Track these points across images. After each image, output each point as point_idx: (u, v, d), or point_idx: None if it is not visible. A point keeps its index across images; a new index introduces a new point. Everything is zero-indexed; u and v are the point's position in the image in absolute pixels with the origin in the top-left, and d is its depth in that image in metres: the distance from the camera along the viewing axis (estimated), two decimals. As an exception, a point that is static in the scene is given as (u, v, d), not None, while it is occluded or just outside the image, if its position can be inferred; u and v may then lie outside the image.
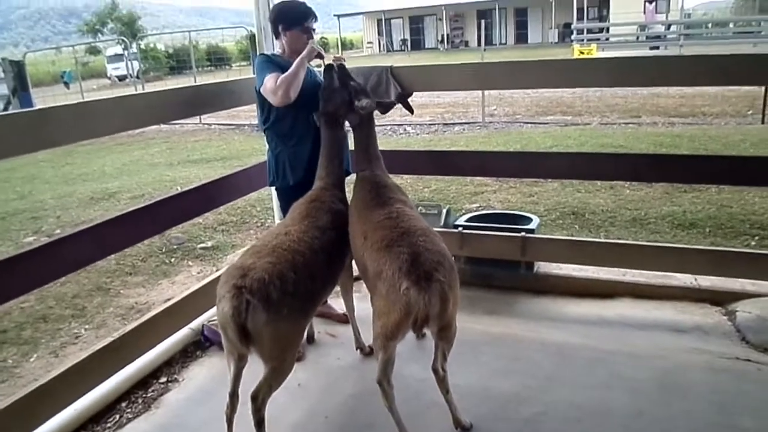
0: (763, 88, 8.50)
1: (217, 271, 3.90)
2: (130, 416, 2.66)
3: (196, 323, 3.19)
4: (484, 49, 12.52)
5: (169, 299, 3.35)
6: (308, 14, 2.94)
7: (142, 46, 28.81)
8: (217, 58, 30.05)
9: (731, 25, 28.96)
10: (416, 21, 42.53)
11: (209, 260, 4.67)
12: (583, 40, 24.09)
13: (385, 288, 2.10)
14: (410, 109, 3.25)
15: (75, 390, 2.48)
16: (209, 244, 4.98)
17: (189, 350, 3.14)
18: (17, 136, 2.21)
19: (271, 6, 3.08)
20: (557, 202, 5.26)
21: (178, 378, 2.94)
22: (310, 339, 3.17)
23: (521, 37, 39.01)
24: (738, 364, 2.77)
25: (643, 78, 3.25)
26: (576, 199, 5.31)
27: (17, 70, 14.44)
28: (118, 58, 30.57)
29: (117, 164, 9.51)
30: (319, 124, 2.79)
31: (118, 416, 2.66)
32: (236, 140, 11.23)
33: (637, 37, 26.33)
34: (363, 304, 2.62)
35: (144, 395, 2.80)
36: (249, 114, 12.26)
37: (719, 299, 3.32)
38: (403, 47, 40.92)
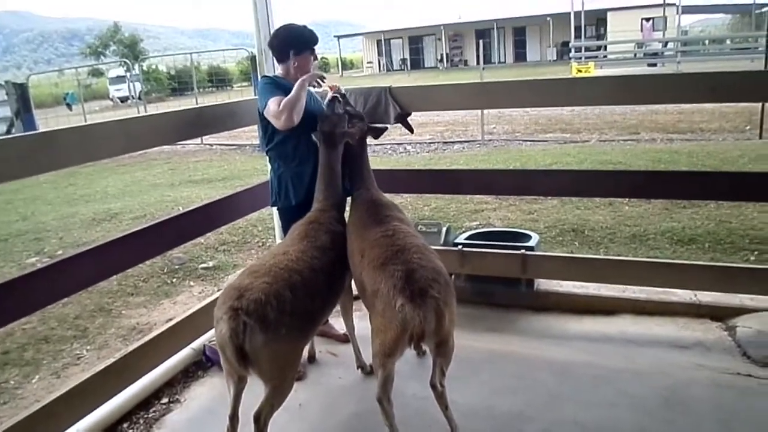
0: (760, 104, 8.54)
1: (218, 291, 3.90)
2: (131, 437, 2.66)
3: (197, 343, 3.19)
4: (483, 68, 12.61)
5: (170, 319, 3.35)
6: (316, 38, 3.04)
7: (144, 68, 29.09)
8: (218, 79, 30.31)
9: (728, 42, 29.21)
10: (415, 41, 42.96)
11: (210, 280, 4.68)
12: (581, 58, 24.29)
13: (381, 305, 2.12)
14: (410, 129, 3.29)
15: (77, 411, 2.47)
16: (210, 264, 4.99)
17: (190, 370, 3.14)
18: (20, 160, 2.23)
19: (273, 31, 3.12)
20: (557, 219, 5.28)
21: (180, 398, 2.93)
22: (312, 358, 3.16)
23: (520, 56, 39.36)
24: (740, 380, 2.76)
25: (637, 96, 3.29)
26: (575, 216, 5.33)
27: (20, 92, 14.55)
28: (120, 79, 30.84)
29: (119, 185, 9.55)
30: (318, 142, 2.82)
31: (120, 438, 2.66)
32: (238, 160, 11.28)
33: (635, 55, 26.58)
34: (363, 323, 2.62)
35: (145, 416, 2.79)
36: (250, 134, 12.35)
37: (719, 315, 3.32)
38: (402, 67, 41.28)
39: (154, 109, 17.80)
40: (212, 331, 3.07)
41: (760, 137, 8.69)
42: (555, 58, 35.26)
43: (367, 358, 2.80)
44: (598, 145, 9.30)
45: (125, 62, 25.00)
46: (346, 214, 2.86)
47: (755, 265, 3.88)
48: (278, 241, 3.56)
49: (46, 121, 16.71)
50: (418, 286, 2.07)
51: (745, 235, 4.58)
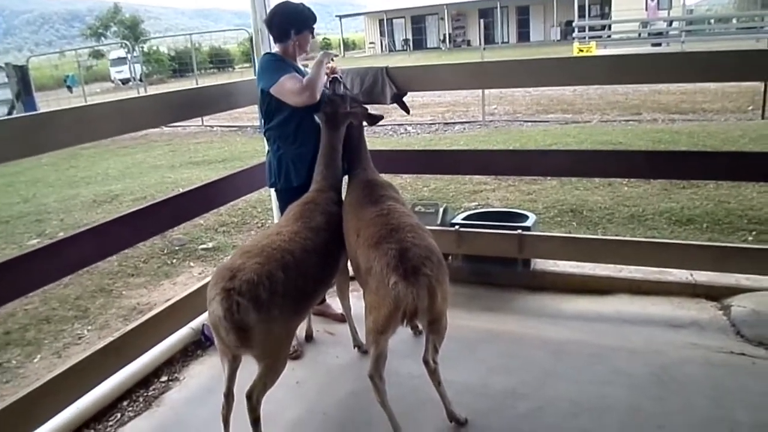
0: (763, 84, 8.48)
1: (217, 271, 3.92)
2: (131, 414, 2.70)
3: (196, 322, 3.23)
4: (484, 48, 12.51)
5: (170, 299, 3.38)
6: (315, 16, 3.03)
7: (145, 50, 28.95)
8: (219, 60, 30.14)
9: (734, 21, 28.83)
10: (418, 21, 42.53)
11: (210, 261, 4.70)
12: (584, 37, 24.03)
13: (374, 283, 2.14)
14: (406, 110, 3.28)
15: (77, 389, 2.51)
16: (210, 245, 5.01)
17: (189, 349, 3.18)
18: (15, 141, 2.24)
19: (270, 9, 3.10)
20: (556, 200, 5.27)
21: (179, 377, 2.97)
22: (309, 337, 3.20)
23: (523, 36, 38.97)
24: (733, 359, 2.78)
25: (631, 75, 3.27)
26: (574, 197, 5.32)
27: (21, 74, 14.53)
28: (121, 61, 30.70)
29: (120, 167, 9.56)
30: (321, 123, 2.83)
31: (119, 414, 2.70)
32: (238, 142, 11.27)
33: (639, 34, 26.27)
34: (360, 302, 2.63)
35: (145, 394, 2.83)
36: (251, 116, 12.31)
37: (715, 294, 3.33)
38: (405, 47, 40.94)
39: (154, 90, 17.72)
40: (209, 311, 3.15)
41: (762, 117, 8.64)
42: (559, 37, 34.88)
43: (363, 337, 2.84)
44: (599, 126, 9.26)
45: (126, 44, 24.84)
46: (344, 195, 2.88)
47: (750, 245, 3.89)
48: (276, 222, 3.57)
49: (47, 103, 16.68)
50: (411, 264, 2.09)
51: (744, 215, 4.57)
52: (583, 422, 2.42)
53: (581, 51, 19.65)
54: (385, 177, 2.93)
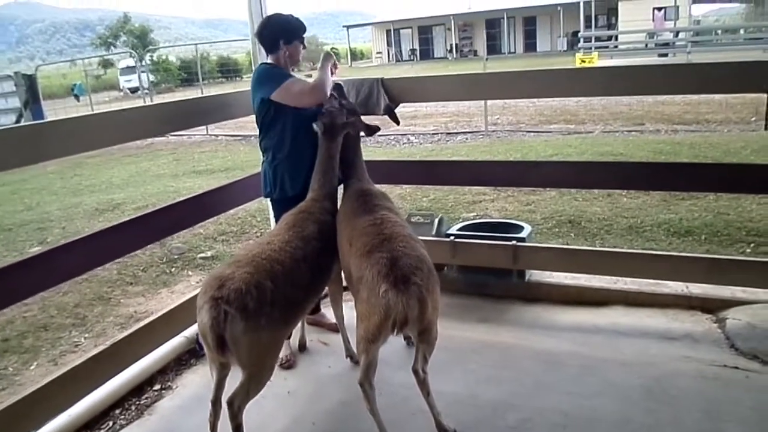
0: (766, 95, 8.45)
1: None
2: (123, 422, 2.71)
3: (190, 331, 3.23)
4: (486, 59, 12.60)
5: (165, 308, 3.40)
6: (304, 26, 3.07)
7: (154, 59, 29.17)
8: (227, 69, 30.34)
9: (742, 32, 28.78)
10: (425, 31, 42.73)
11: (209, 270, 4.73)
12: (590, 48, 24.07)
13: (365, 292, 2.16)
14: (396, 121, 3.31)
15: (70, 395, 2.53)
16: (209, 254, 5.04)
17: (183, 358, 3.19)
18: (17, 149, 2.29)
19: (260, 22, 3.14)
20: (554, 211, 5.28)
21: (172, 385, 2.98)
22: (302, 347, 3.21)
23: (530, 46, 39.04)
24: (726, 372, 2.77)
25: (627, 87, 3.28)
26: (573, 208, 5.32)
27: (29, 83, 14.68)
28: (130, 70, 30.94)
29: (124, 175, 9.63)
30: (319, 132, 2.85)
31: (111, 422, 2.71)
32: (242, 151, 11.33)
33: (646, 45, 26.29)
34: (353, 312, 2.65)
35: (137, 402, 2.85)
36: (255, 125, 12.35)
37: (710, 307, 3.32)
38: (412, 57, 41.11)
39: (161, 99, 17.88)
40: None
41: (766, 128, 8.62)
42: (565, 48, 34.91)
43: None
44: (601, 137, 9.25)
45: (135, 53, 25.10)
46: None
47: (746, 257, 3.87)
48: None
49: (55, 112, 16.79)
50: (401, 273, 2.11)
51: (743, 227, 4.56)
52: (571, 434, 2.42)
53: (583, 62, 19.66)
54: (386, 187, 2.96)
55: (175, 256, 5.02)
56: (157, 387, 2.96)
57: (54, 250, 2.58)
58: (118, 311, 4.11)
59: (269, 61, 3.05)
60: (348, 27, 47.81)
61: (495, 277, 3.67)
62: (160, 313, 3.03)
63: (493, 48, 37.12)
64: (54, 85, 26.86)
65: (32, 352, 3.62)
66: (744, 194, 4.88)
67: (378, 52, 45.37)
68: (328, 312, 3.36)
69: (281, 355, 2.99)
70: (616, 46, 26.36)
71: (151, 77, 23.45)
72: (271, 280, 2.18)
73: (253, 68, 3.17)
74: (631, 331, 3.21)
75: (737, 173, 3.36)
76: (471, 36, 41.22)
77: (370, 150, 9.29)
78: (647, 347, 3.03)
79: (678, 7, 29.06)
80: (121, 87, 33.93)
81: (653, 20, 28.41)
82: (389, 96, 3.27)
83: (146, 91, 20.29)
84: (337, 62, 3.11)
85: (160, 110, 3.08)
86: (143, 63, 24.28)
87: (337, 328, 3.16)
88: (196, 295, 3.13)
